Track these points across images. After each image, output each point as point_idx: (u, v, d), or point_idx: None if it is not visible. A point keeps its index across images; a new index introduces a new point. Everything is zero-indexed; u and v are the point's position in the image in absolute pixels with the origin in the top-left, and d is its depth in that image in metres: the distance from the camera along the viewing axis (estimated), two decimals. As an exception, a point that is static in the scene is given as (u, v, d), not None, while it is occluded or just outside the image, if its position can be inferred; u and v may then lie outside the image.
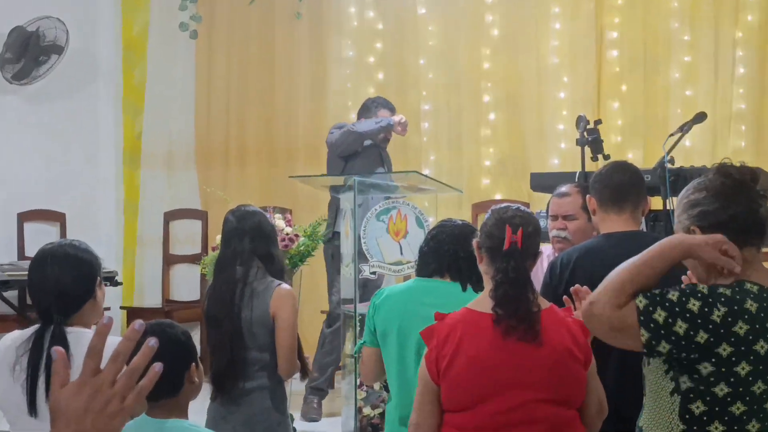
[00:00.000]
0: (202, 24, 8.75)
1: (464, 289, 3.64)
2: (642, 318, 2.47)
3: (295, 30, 8.62)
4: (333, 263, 6.69)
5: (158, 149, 8.90)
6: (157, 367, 1.54)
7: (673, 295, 2.47)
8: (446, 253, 3.70)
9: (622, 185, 3.84)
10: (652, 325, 2.46)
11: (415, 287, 3.77)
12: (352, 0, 8.48)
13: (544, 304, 3.02)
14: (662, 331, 2.45)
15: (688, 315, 2.44)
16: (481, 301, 3.04)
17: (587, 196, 3.99)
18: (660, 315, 2.46)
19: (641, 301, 2.48)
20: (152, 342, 1.53)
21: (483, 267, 3.10)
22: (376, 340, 3.79)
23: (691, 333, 2.44)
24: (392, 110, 6.92)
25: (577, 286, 3.19)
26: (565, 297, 3.27)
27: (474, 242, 3.18)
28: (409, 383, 3.60)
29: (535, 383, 2.93)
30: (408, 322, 3.66)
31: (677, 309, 2.45)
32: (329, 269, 6.83)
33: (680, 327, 2.44)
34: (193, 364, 2.96)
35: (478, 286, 3.59)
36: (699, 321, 2.44)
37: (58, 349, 1.55)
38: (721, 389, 2.46)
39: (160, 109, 8.88)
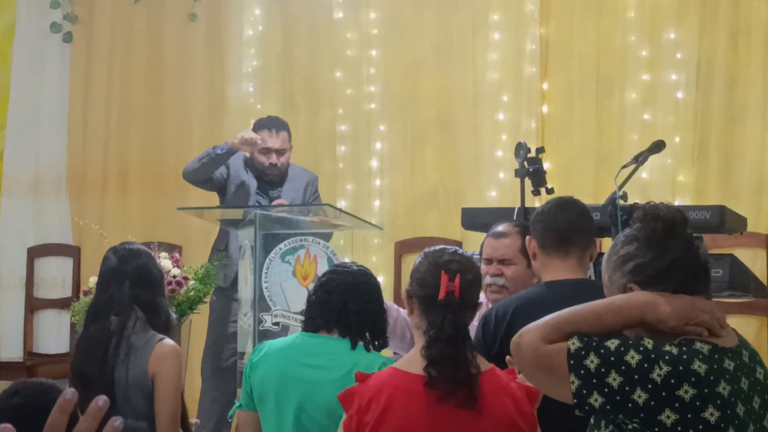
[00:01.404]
0: (78, 25, 8.64)
1: (354, 347, 3.65)
2: (572, 362, 2.48)
3: (189, 35, 8.56)
4: (215, 317, 6.72)
5: (22, 173, 8.73)
6: (117, 422, 1.51)
7: (612, 344, 2.49)
8: (335, 305, 3.72)
9: (567, 227, 3.85)
10: (582, 371, 2.48)
11: (297, 344, 3.77)
12: (256, 0, 8.45)
13: (485, 365, 3.01)
14: (594, 380, 2.47)
15: (623, 368, 2.46)
16: (411, 360, 3.02)
17: (527, 237, 3.98)
18: (592, 362, 2.48)
19: (574, 344, 2.50)
20: (117, 422, 1.51)
21: (413, 320, 3.09)
22: (252, 403, 3.79)
23: (627, 389, 2.45)
24: (275, 129, 6.92)
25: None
26: (508, 357, 3.24)
27: (404, 291, 3.16)
28: None
29: (474, 458, 2.90)
30: (286, 386, 3.67)
31: (613, 359, 2.47)
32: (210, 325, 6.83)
33: (614, 379, 2.46)
34: None
35: (371, 344, 3.60)
36: (636, 377, 2.45)
37: (5, 427, 1.50)
38: None
39: (26, 124, 8.72)
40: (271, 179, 6.88)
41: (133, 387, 4.06)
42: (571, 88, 7.85)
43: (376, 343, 3.71)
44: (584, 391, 2.47)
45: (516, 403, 2.97)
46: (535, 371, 2.58)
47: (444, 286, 2.98)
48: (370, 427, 2.94)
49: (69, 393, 1.50)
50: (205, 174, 6.85)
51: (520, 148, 5.52)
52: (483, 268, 4.48)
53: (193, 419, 4.39)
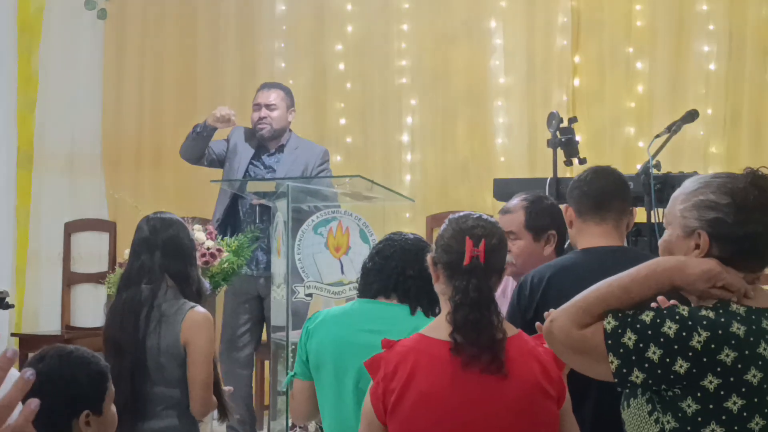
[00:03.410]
0: (111, 2, 8.64)
1: (413, 312, 3.62)
2: (610, 342, 2.46)
3: (221, 11, 8.55)
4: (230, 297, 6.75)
5: (58, 150, 8.76)
6: (33, 404, 1.48)
7: (647, 316, 2.46)
8: (393, 270, 3.67)
9: (603, 192, 3.83)
10: (621, 350, 2.45)
11: (355, 310, 3.73)
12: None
13: (511, 330, 2.99)
14: (633, 357, 2.44)
15: (662, 339, 2.43)
16: (437, 327, 3.00)
17: (564, 205, 3.97)
18: (630, 339, 2.45)
19: (609, 323, 2.47)
20: (28, 374, 1.47)
21: (439, 286, 3.07)
22: (308, 371, 3.76)
23: (667, 360, 2.43)
24: (267, 87, 7.08)
25: (551, 310, 3.14)
26: (537, 323, 3.23)
27: (428, 258, 3.13)
28: (346, 423, 3.59)
29: (500, 423, 2.90)
30: (345, 352, 3.63)
31: (650, 332, 2.44)
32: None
33: (654, 353, 2.43)
34: (86, 412, 2.86)
35: (430, 310, 3.57)
36: (676, 347, 2.43)
37: None
38: (713, 430, 2.43)
39: (61, 102, 8.74)
40: (263, 135, 6.93)
41: (165, 354, 4.06)
42: (602, 61, 7.80)
43: (436, 309, 3.68)
44: (624, 370, 2.45)
45: (543, 368, 2.94)
46: (571, 355, 2.56)
47: (469, 251, 2.95)
48: (396, 393, 2.92)
49: (9, 352, 1.48)
50: (194, 153, 6.98)
51: (553, 119, 5.49)
52: None
53: (226, 387, 4.39)
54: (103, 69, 8.76)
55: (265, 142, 6.97)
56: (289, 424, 5.48)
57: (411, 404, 2.91)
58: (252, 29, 8.50)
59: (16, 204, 8.75)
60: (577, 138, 5.75)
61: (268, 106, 6.92)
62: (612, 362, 2.46)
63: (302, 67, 8.41)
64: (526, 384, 2.91)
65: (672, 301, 2.51)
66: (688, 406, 2.44)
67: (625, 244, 4.04)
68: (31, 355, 6.94)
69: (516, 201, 4.47)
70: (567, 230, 4.04)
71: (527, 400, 2.91)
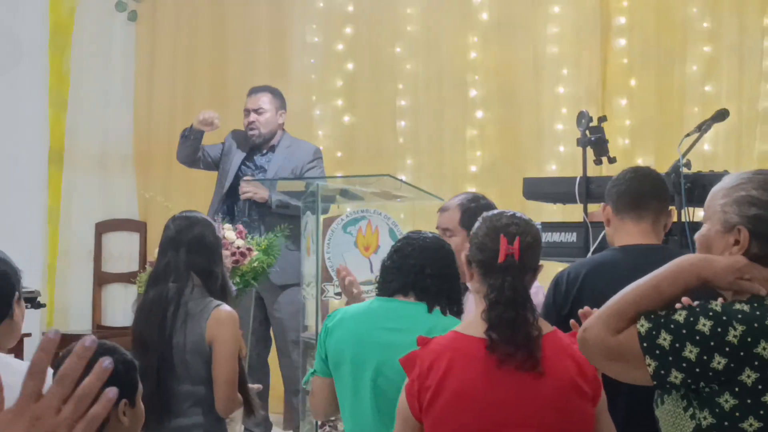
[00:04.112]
0: (142, 3, 8.68)
1: (430, 310, 3.62)
2: (645, 344, 2.44)
3: (251, 11, 8.57)
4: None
5: (90, 149, 8.81)
6: (111, 392, 1.47)
7: (680, 316, 2.45)
8: (411, 269, 3.68)
9: (641, 191, 3.84)
10: (657, 351, 2.43)
11: (373, 308, 3.74)
12: (318, -23, 8.46)
13: (546, 327, 2.98)
14: (670, 358, 2.42)
15: (698, 337, 2.41)
16: (472, 324, 2.99)
17: (602, 204, 3.97)
18: (665, 339, 2.43)
19: (643, 325, 2.46)
20: (106, 362, 1.47)
21: (474, 284, 3.06)
22: (327, 369, 3.77)
23: (705, 358, 2.41)
24: (254, 92, 7.22)
25: (586, 308, 3.13)
26: (572, 321, 3.21)
27: (462, 256, 3.14)
28: (364, 420, 3.61)
29: (535, 421, 2.89)
30: (363, 350, 3.64)
31: (685, 331, 2.42)
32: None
33: (690, 352, 2.41)
34: (124, 401, 2.89)
35: (448, 308, 3.58)
36: (712, 344, 2.41)
37: None
38: (751, 425, 2.41)
39: (93, 101, 8.79)
40: (254, 140, 7.06)
41: (191, 352, 4.08)
42: (632, 61, 7.77)
43: (455, 308, 3.68)
44: (662, 371, 2.43)
45: (578, 366, 2.92)
46: (607, 363, 2.54)
47: (503, 248, 2.94)
48: (432, 391, 2.92)
49: (51, 333, 1.47)
50: (185, 157, 7.18)
51: (582, 117, 5.47)
52: None
53: (254, 385, 4.40)
54: (135, 68, 8.81)
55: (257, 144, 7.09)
56: (318, 423, 5.49)
57: (446, 401, 2.90)
58: (283, 28, 8.51)
59: (47, 203, 8.79)
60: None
61: (256, 111, 7.07)
62: (649, 365, 2.44)
63: (332, 65, 8.42)
64: (561, 382, 2.89)
65: (689, 300, 2.50)
66: (726, 401, 2.42)
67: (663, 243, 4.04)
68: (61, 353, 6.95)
69: (454, 200, 4.63)
70: None
71: (562, 398, 2.90)
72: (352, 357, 3.66)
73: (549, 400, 2.89)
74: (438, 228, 4.58)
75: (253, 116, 7.04)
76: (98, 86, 8.79)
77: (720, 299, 2.52)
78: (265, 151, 7.09)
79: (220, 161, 7.16)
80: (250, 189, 6.77)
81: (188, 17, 8.72)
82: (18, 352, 7.06)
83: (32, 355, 1.48)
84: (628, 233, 3.81)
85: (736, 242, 2.54)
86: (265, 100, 7.08)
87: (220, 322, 4.10)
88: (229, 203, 6.94)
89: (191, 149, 7.09)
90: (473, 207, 4.48)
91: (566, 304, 3.67)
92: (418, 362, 2.97)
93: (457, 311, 3.70)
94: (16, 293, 3.25)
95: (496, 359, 2.88)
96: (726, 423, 2.42)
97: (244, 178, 6.91)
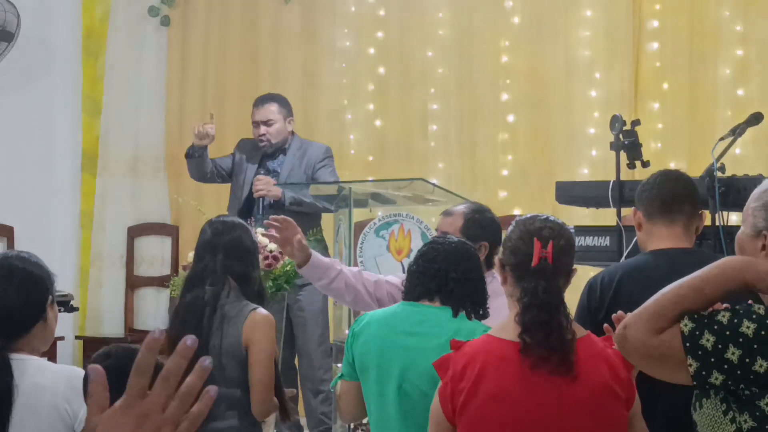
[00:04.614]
0: (175, 8, 8.71)
1: (455, 315, 3.63)
2: (688, 344, 2.42)
3: (283, 16, 8.59)
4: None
5: (122, 153, 8.84)
6: (212, 390, 1.51)
7: (724, 317, 2.43)
8: (436, 273, 3.69)
9: (673, 195, 3.83)
10: (700, 352, 2.41)
11: (398, 313, 3.76)
12: (350, -18, 8.46)
13: (580, 331, 2.97)
14: (712, 359, 2.41)
15: (741, 339, 2.40)
16: (505, 327, 2.99)
17: (633, 209, 3.96)
18: (708, 340, 2.41)
19: (687, 325, 2.44)
20: (207, 362, 1.49)
21: (507, 288, 3.06)
22: (354, 372, 3.78)
23: (747, 361, 2.39)
24: (260, 103, 7.19)
25: (620, 312, 3.12)
26: (606, 325, 3.20)
27: (496, 259, 3.14)
28: (388, 424, 3.62)
29: (568, 425, 2.89)
30: (388, 354, 3.65)
31: (728, 333, 2.41)
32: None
33: (732, 354, 2.40)
34: None
35: (473, 312, 3.58)
36: (755, 346, 2.39)
37: (95, 368, 1.50)
38: None
39: (125, 106, 8.82)
40: (266, 151, 7.07)
41: (227, 355, 4.09)
42: (664, 64, 7.75)
43: (480, 312, 3.69)
44: (703, 372, 2.42)
45: (612, 369, 2.92)
46: (648, 362, 2.53)
47: (537, 252, 2.94)
48: (465, 394, 2.92)
49: (156, 332, 1.49)
50: (197, 174, 7.27)
51: (616, 121, 5.45)
52: None
53: (288, 389, 4.40)
54: (167, 73, 8.83)
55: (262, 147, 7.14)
56: (351, 426, 5.49)
57: (479, 404, 2.90)
58: (314, 33, 8.53)
59: (80, 207, 8.83)
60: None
61: (265, 123, 7.05)
62: (690, 365, 2.42)
63: (363, 69, 8.43)
64: (595, 385, 2.89)
65: (725, 305, 2.49)
66: (767, 404, 2.41)
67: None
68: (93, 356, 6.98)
69: (460, 206, 4.63)
70: (499, 245, 4.11)
71: (596, 402, 2.90)
72: (377, 361, 3.68)
73: (583, 403, 2.89)
74: (438, 231, 4.60)
75: (263, 128, 7.03)
76: (131, 91, 8.82)
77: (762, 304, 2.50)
78: (276, 155, 7.10)
79: (232, 172, 7.18)
80: (263, 188, 6.77)
81: (220, 22, 8.75)
82: (51, 355, 7.11)
83: (138, 354, 1.50)
84: (661, 237, 3.80)
85: (764, 247, 2.53)
86: (273, 110, 7.06)
87: (257, 325, 4.11)
88: (247, 212, 6.93)
89: (199, 166, 7.14)
90: (477, 218, 4.51)
91: (601, 308, 3.66)
92: (451, 365, 2.97)
93: (483, 315, 3.70)
94: (50, 297, 3.27)
95: (529, 362, 2.88)
96: (767, 427, 2.41)
97: (257, 177, 6.92)
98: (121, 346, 2.97)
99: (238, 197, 7.06)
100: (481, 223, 4.50)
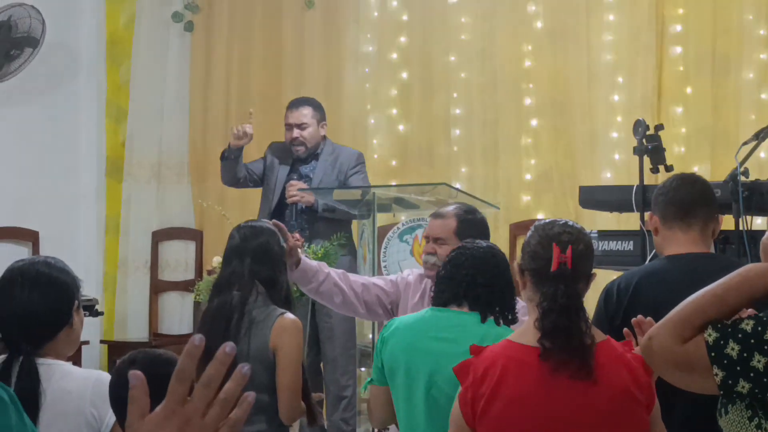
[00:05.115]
0: (198, 14, 8.75)
1: (483, 320, 3.65)
2: (713, 354, 2.42)
3: (306, 21, 8.61)
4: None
5: (146, 159, 8.88)
6: (250, 397, 1.52)
7: (747, 325, 2.43)
8: (464, 278, 3.71)
9: (689, 199, 3.82)
10: (725, 361, 2.41)
11: (426, 318, 3.78)
12: (372, -13, 8.48)
13: (599, 336, 2.98)
14: (738, 368, 2.40)
15: (766, 347, 2.39)
16: (525, 332, 3.00)
17: (648, 213, 3.96)
18: (733, 349, 2.41)
19: (710, 335, 2.43)
20: (245, 368, 1.52)
21: (527, 293, 3.07)
22: (384, 377, 3.81)
23: None
24: (294, 106, 7.17)
25: (639, 316, 3.12)
26: (625, 330, 3.21)
27: (515, 264, 3.15)
28: (417, 428, 3.64)
29: (589, 429, 2.89)
30: (416, 359, 3.68)
31: (753, 341, 2.40)
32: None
33: (758, 361, 2.39)
34: None
35: (502, 317, 3.60)
36: None
37: (136, 373, 1.52)
38: None
39: (149, 112, 8.87)
40: (299, 155, 7.04)
41: (255, 360, 4.09)
42: (687, 68, 7.73)
43: (509, 317, 3.70)
44: (730, 381, 2.41)
45: (632, 374, 2.92)
46: (673, 371, 2.53)
47: (556, 257, 2.94)
48: (485, 399, 2.93)
49: (197, 339, 1.51)
50: (230, 176, 7.21)
51: (639, 126, 5.45)
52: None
53: (316, 394, 4.42)
54: (190, 79, 8.87)
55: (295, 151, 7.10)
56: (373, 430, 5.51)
57: (500, 409, 2.91)
58: (337, 38, 8.55)
59: (105, 213, 8.88)
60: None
61: (299, 126, 7.02)
62: (717, 374, 2.42)
63: (386, 74, 8.44)
64: (615, 390, 2.89)
65: (750, 311, 2.49)
66: None
67: (712, 250, 4.01)
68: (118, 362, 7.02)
69: (448, 208, 4.64)
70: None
71: (616, 406, 2.90)
72: (406, 366, 3.70)
73: (603, 408, 2.89)
74: (427, 236, 4.62)
75: (296, 132, 7.00)
76: (155, 96, 8.87)
77: None
78: (309, 160, 7.08)
79: (264, 176, 7.18)
80: (296, 193, 6.78)
81: (243, 27, 8.77)
82: (76, 359, 7.16)
83: (179, 360, 1.52)
84: (678, 242, 3.79)
85: None
86: (307, 114, 7.05)
87: (285, 330, 4.12)
88: (278, 216, 6.94)
89: (234, 169, 7.09)
90: (470, 218, 4.55)
91: (618, 313, 3.65)
92: (471, 370, 2.98)
93: (511, 320, 3.72)
94: (76, 302, 3.30)
95: (549, 367, 2.89)
96: None
97: (291, 182, 6.92)
98: (146, 351, 2.99)
99: (269, 201, 7.05)
100: (474, 224, 4.55)
